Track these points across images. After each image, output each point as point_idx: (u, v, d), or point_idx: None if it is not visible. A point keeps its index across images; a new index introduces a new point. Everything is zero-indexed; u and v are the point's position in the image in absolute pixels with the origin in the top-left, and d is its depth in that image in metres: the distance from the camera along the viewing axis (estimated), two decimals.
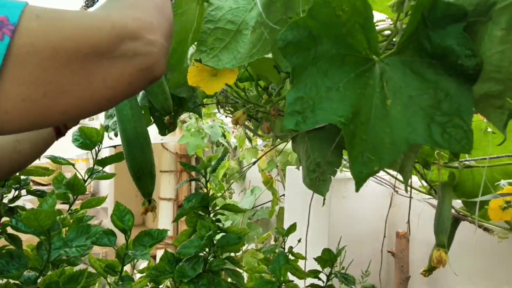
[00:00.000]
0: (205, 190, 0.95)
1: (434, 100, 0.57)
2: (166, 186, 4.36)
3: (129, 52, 0.48)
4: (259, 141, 2.43)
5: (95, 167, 1.04)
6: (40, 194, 0.99)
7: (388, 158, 0.57)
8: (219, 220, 0.94)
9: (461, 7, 0.53)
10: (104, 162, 1.05)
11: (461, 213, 1.17)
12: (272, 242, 2.40)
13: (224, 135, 3.36)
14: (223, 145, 3.42)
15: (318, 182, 0.90)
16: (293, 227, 1.04)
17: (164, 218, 4.38)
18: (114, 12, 0.50)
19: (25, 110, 0.43)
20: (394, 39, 0.68)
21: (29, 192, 1.00)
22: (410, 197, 1.17)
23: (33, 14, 0.43)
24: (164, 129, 1.03)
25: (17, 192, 0.97)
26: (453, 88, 0.56)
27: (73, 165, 1.01)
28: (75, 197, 0.99)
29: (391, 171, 1.33)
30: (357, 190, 0.57)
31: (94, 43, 0.46)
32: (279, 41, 0.57)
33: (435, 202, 1.21)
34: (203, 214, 0.93)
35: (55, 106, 0.45)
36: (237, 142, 3.15)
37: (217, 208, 0.95)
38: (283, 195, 2.49)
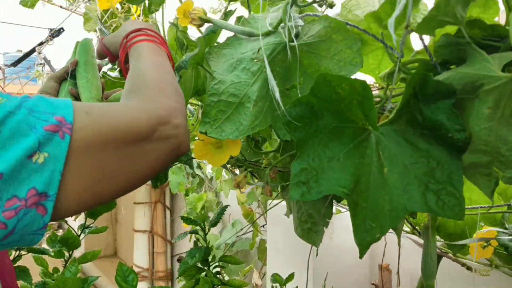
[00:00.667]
0: (205, 244, 0.96)
1: (427, 168, 0.61)
2: (141, 218, 4.29)
3: (162, 136, 0.57)
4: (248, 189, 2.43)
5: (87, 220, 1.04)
6: (40, 251, 0.99)
7: (388, 225, 0.60)
8: (219, 273, 0.96)
9: (450, 85, 0.58)
10: (95, 213, 1.06)
11: (443, 250, 1.22)
12: (254, 275, 2.41)
13: (199, 166, 3.36)
14: (198, 176, 3.41)
15: (310, 232, 0.93)
16: (291, 276, 1.06)
17: (139, 249, 4.31)
18: (147, 102, 0.59)
19: (83, 197, 0.49)
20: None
21: (30, 250, 1.00)
22: (399, 236, 1.21)
23: (83, 111, 0.51)
24: (157, 182, 1.05)
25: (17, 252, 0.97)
26: (444, 157, 0.61)
27: (65, 221, 1.01)
28: (70, 252, 0.98)
29: None
30: (361, 257, 0.60)
31: (136, 132, 0.54)
32: (284, 117, 0.60)
33: (417, 238, 1.26)
34: (202, 267, 0.95)
35: (107, 190, 0.52)
36: (213, 173, 3.15)
37: (216, 260, 0.97)
38: (264, 225, 2.51)
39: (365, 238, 0.60)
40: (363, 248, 0.60)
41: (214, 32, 0.71)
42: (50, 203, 0.46)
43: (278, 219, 2.01)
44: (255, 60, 0.65)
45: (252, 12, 0.84)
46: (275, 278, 1.08)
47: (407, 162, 0.62)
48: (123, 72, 0.77)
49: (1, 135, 0.44)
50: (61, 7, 2.53)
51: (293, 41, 0.65)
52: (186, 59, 0.70)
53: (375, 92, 0.78)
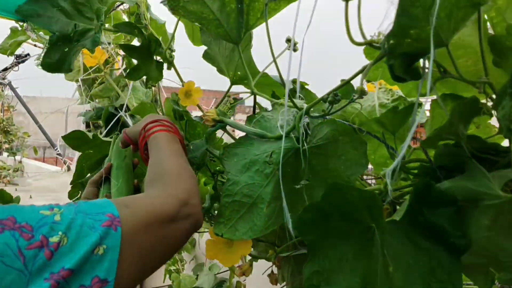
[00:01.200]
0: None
1: (429, 267, 0.65)
2: None
3: (184, 215, 0.67)
4: None
5: None
6: None
7: None
8: None
9: (452, 196, 0.63)
10: None
11: None
12: None
13: None
14: None
15: None
16: None
17: None
18: (169, 188, 0.70)
19: (132, 274, 0.58)
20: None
21: None
22: None
23: (122, 205, 0.61)
24: None
25: None
26: (444, 257, 0.65)
27: None
28: None
29: None
30: None
31: (166, 215, 0.64)
32: (294, 223, 0.63)
33: None
34: None
35: (149, 266, 0.62)
36: None
37: None
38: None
39: None
40: None
41: (223, 128, 0.74)
42: (110, 287, 0.54)
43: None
44: (268, 163, 0.68)
45: None
46: None
47: (410, 261, 0.66)
48: (142, 158, 0.87)
49: (70, 239, 0.53)
50: (35, 45, 2.49)
51: (303, 145, 0.68)
52: (197, 154, 0.72)
53: (373, 182, 0.83)
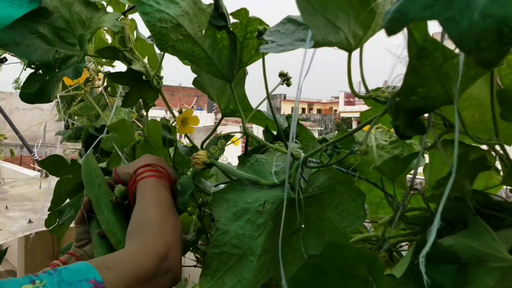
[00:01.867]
0: None
1: None
2: None
3: (163, 270, 0.67)
4: None
5: None
6: None
7: None
8: None
9: (455, 254, 0.60)
10: None
11: None
12: None
13: None
14: None
15: None
16: None
17: None
18: (148, 242, 0.69)
19: None
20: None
21: None
22: None
23: (104, 267, 0.61)
24: None
25: None
26: None
27: None
28: None
29: None
30: None
31: (146, 273, 0.64)
32: (291, 281, 0.59)
33: None
34: None
35: None
36: None
37: None
38: None
39: None
40: None
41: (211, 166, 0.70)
42: None
43: None
44: (261, 213, 0.64)
45: None
46: None
47: None
48: (131, 204, 0.86)
49: None
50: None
51: (299, 195, 0.65)
52: (185, 200, 0.68)
53: (369, 225, 0.79)
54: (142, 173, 0.83)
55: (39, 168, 5.27)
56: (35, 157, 4.96)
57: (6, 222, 2.73)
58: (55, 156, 1.10)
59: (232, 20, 0.71)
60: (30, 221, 2.70)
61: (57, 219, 1.11)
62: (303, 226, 0.68)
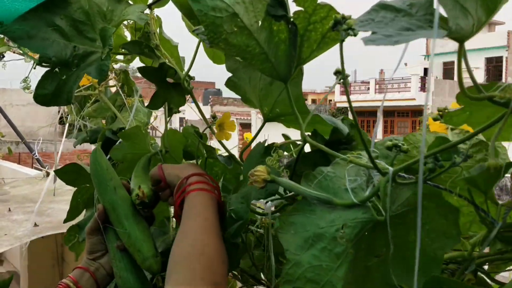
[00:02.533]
0: None
1: None
2: None
3: None
4: None
5: None
6: None
7: None
8: None
9: None
10: None
11: None
12: None
13: None
14: None
15: None
16: None
17: None
18: (199, 279, 0.63)
19: None
20: None
21: None
22: None
23: None
24: None
25: None
26: None
27: None
28: None
29: None
30: None
31: None
32: None
33: None
34: None
35: None
36: None
37: None
38: None
39: None
40: None
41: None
42: None
43: None
44: (340, 240, 0.54)
45: None
46: None
47: None
48: (175, 215, 0.78)
49: None
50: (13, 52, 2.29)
51: (383, 215, 0.54)
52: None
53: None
54: (195, 183, 0.74)
55: (39, 167, 5.13)
56: (36, 156, 4.83)
57: (10, 226, 2.62)
58: (72, 164, 0.98)
59: (293, 8, 0.60)
60: (36, 225, 2.59)
61: (76, 235, 1.00)
62: (383, 251, 0.58)
